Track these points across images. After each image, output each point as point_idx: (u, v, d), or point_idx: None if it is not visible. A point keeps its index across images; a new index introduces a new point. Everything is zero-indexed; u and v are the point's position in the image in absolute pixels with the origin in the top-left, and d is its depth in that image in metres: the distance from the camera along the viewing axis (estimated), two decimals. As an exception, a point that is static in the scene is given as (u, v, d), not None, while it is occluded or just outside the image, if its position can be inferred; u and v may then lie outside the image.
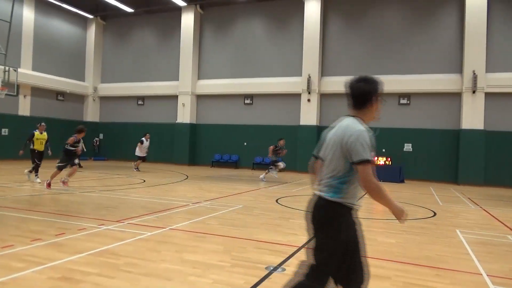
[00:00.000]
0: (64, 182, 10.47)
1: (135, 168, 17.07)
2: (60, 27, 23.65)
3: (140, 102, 24.55)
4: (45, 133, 11.88)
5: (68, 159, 10.52)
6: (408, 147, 18.40)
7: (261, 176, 15.14)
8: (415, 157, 18.12)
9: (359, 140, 2.35)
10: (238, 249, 5.02)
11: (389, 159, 17.59)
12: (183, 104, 22.48)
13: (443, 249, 5.49)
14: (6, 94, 16.17)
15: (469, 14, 16.98)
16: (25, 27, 21.27)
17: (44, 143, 11.80)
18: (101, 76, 25.73)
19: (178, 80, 22.80)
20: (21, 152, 11.73)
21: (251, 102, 21.63)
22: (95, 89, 25.31)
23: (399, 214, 2.47)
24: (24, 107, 21.45)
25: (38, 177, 11.49)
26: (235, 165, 21.61)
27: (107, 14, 24.97)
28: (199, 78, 22.83)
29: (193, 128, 22.57)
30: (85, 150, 16.49)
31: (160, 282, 3.76)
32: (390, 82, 16.91)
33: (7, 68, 16.35)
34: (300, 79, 20.01)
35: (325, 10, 20.05)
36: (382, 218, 7.89)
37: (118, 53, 25.24)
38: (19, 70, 18.44)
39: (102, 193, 9.78)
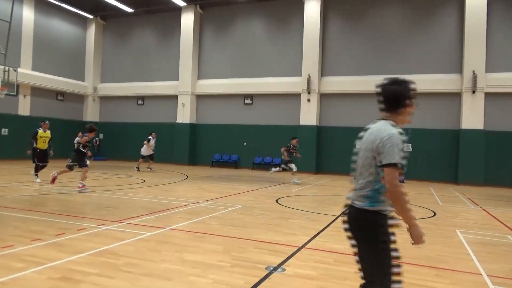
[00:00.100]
0: (53, 179, 10.38)
1: (136, 168, 17.09)
2: (60, 27, 23.64)
3: (140, 102, 24.55)
4: (48, 132, 11.88)
5: (79, 158, 10.39)
6: (408, 147, 18.39)
7: (272, 169, 14.74)
8: (415, 157, 18.10)
9: (391, 142, 2.27)
10: (238, 249, 5.02)
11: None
12: (183, 104, 22.48)
13: (443, 249, 5.49)
14: (6, 94, 16.18)
15: (469, 14, 16.99)
16: (25, 27, 21.26)
17: (47, 141, 11.80)
18: (101, 76, 25.73)
19: (178, 80, 22.80)
20: (28, 152, 11.77)
21: (251, 102, 21.62)
22: (95, 89, 25.31)
23: (417, 238, 2.32)
24: (24, 107, 21.45)
25: (38, 177, 11.49)
26: (235, 165, 21.60)
27: (107, 14, 24.97)
28: (199, 78, 22.83)
29: (193, 128, 22.56)
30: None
31: (160, 282, 3.76)
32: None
33: (7, 68, 16.35)
34: (300, 79, 20.00)
35: (325, 10, 20.05)
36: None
37: (118, 53, 25.24)
38: (19, 70, 18.43)
39: (102, 193, 9.79)
